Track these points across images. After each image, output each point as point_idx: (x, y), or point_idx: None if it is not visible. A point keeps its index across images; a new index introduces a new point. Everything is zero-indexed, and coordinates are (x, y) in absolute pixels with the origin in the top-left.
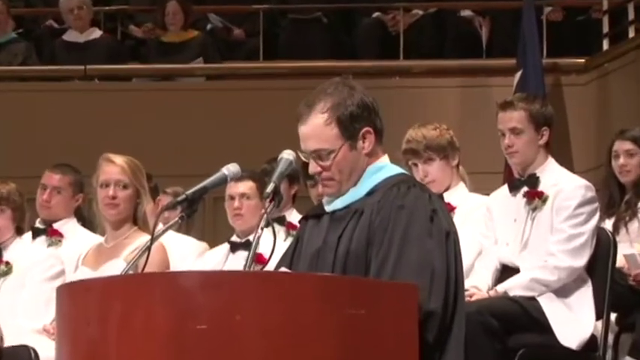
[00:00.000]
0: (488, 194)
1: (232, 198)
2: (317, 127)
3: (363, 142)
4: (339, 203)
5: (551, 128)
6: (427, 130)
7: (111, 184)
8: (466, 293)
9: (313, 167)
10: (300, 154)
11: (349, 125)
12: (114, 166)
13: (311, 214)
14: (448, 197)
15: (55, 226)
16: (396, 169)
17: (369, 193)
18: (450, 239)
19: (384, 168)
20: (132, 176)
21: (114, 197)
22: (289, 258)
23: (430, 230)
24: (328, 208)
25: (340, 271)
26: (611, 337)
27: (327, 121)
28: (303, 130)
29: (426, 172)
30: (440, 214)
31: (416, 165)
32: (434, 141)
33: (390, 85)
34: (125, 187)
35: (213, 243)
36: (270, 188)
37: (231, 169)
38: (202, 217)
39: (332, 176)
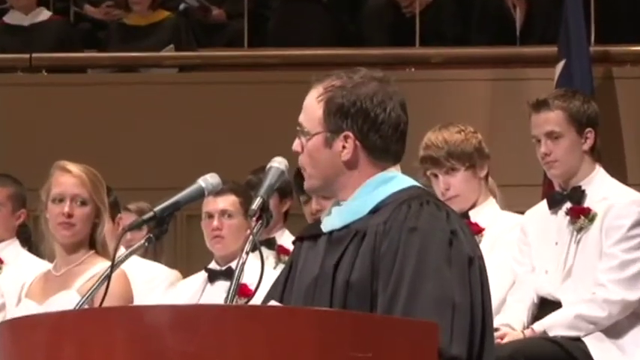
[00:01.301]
0: (523, 212)
1: (210, 216)
2: (310, 101)
3: (343, 147)
4: (337, 221)
5: (596, 129)
6: (450, 133)
7: (66, 198)
8: (496, 334)
9: (295, 143)
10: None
11: (334, 116)
12: (70, 177)
13: (306, 235)
14: (475, 216)
15: None
16: (407, 181)
17: (374, 211)
18: (473, 267)
19: (391, 180)
20: (92, 190)
21: (70, 215)
22: (280, 289)
23: (449, 257)
24: (325, 227)
25: (339, 306)
26: None
27: (319, 98)
28: (305, 100)
29: (447, 185)
30: (461, 235)
31: (436, 176)
32: (458, 147)
33: (404, 78)
34: (83, 203)
35: (186, 271)
36: (256, 204)
37: (209, 180)
38: (173, 239)
39: (304, 165)
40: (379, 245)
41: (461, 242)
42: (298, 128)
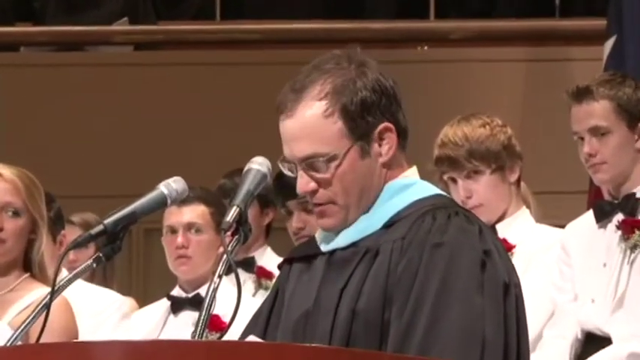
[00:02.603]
0: (563, 226)
1: (174, 231)
2: (311, 122)
3: (380, 145)
4: (341, 239)
5: None
6: (472, 127)
7: None
8: None
9: (304, 184)
10: (281, 165)
11: (360, 118)
12: (1, 182)
13: (297, 256)
14: (504, 230)
15: None
16: (429, 189)
17: (388, 225)
18: (509, 295)
19: (410, 187)
20: (27, 198)
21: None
22: (263, 322)
23: (480, 281)
24: (325, 247)
25: (342, 341)
26: None
27: (326, 112)
28: (289, 126)
29: (469, 192)
30: (495, 256)
31: (454, 181)
32: (482, 144)
33: (415, 59)
34: (16, 214)
35: (144, 299)
36: (231, 215)
37: (172, 185)
38: (128, 259)
39: (333, 198)
40: (395, 266)
41: (495, 264)
42: (304, 164)
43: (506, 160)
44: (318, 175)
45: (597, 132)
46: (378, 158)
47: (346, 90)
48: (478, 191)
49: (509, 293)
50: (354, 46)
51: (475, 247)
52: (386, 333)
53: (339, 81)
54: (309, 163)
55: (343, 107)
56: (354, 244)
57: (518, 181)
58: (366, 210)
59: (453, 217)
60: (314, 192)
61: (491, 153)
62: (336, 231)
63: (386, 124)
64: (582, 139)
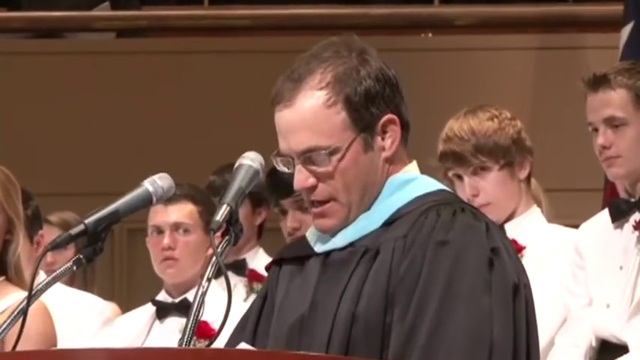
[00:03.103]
0: (577, 226)
1: (160, 231)
2: (312, 112)
3: (383, 139)
4: (338, 239)
5: None
6: (478, 120)
7: None
8: None
9: (303, 180)
10: (275, 160)
11: (364, 109)
12: None
13: (288, 257)
14: (513, 230)
15: None
16: (432, 184)
17: (389, 222)
18: (519, 297)
19: (411, 182)
20: (2, 196)
21: None
22: (252, 328)
23: (488, 281)
24: (319, 247)
25: (341, 347)
26: None
27: (328, 102)
28: (287, 117)
29: (476, 190)
30: (504, 255)
31: (460, 177)
32: (489, 138)
33: (419, 47)
34: None
35: (127, 304)
36: (221, 214)
37: (158, 183)
38: (110, 261)
39: (334, 194)
40: (397, 266)
41: (504, 263)
42: (302, 158)
43: (515, 155)
44: (319, 170)
45: (613, 123)
46: (381, 152)
47: (349, 79)
48: (485, 189)
49: (519, 294)
50: (350, 33)
51: (482, 245)
52: (388, 337)
53: (341, 69)
54: (309, 157)
55: (347, 97)
56: (351, 244)
57: (528, 178)
58: (368, 208)
59: (458, 213)
60: (313, 188)
61: (500, 148)
62: (333, 232)
63: (390, 115)
64: (597, 130)
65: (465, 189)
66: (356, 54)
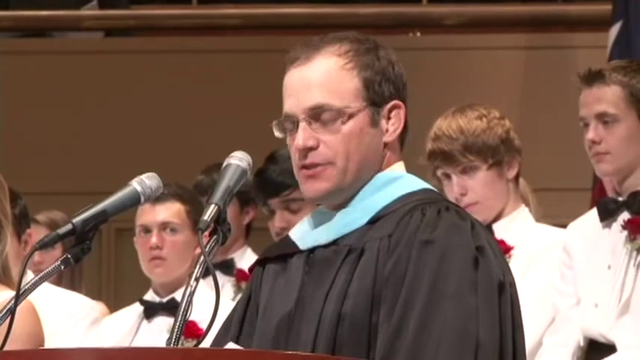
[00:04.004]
0: (565, 225)
1: (148, 230)
2: (328, 70)
3: (388, 122)
4: (322, 235)
5: None
6: (467, 119)
7: None
8: None
9: (305, 138)
10: (275, 127)
11: (377, 84)
12: None
13: (272, 255)
14: (501, 230)
15: None
16: (417, 183)
17: (373, 220)
18: (504, 295)
19: (397, 180)
20: None
21: None
22: (236, 329)
23: (474, 280)
24: (303, 244)
25: (327, 347)
26: None
27: (346, 66)
28: (301, 74)
29: (464, 189)
30: (489, 254)
31: (448, 176)
32: (478, 137)
33: (406, 46)
34: None
35: (115, 303)
36: (209, 214)
37: (145, 182)
38: (98, 260)
39: (333, 158)
40: (382, 266)
41: (489, 262)
42: (308, 114)
43: (504, 154)
44: (323, 130)
45: (604, 119)
46: (383, 135)
47: (368, 54)
48: (474, 188)
49: (505, 293)
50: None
51: (467, 244)
52: (374, 338)
53: (362, 47)
54: (317, 114)
55: (364, 66)
56: (335, 242)
57: (516, 178)
58: (352, 192)
59: (443, 212)
60: (311, 149)
61: (488, 147)
62: (316, 225)
63: (398, 102)
64: (587, 125)
65: (453, 188)
66: (373, 41)
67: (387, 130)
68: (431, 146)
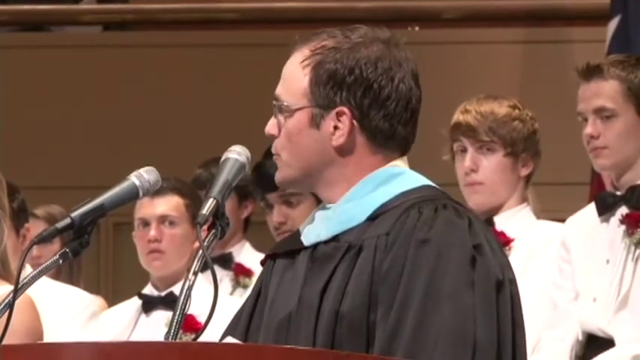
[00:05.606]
0: (564, 220)
1: (146, 224)
2: (292, 66)
3: (334, 129)
4: (323, 231)
5: None
6: (501, 105)
7: None
8: None
9: (270, 125)
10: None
11: (323, 86)
12: None
13: (280, 251)
14: (502, 223)
15: None
16: (417, 179)
17: (372, 218)
18: (503, 293)
19: (397, 177)
20: None
21: None
22: (245, 323)
23: (471, 279)
24: (307, 240)
25: (326, 345)
26: None
27: (304, 63)
28: (286, 64)
29: (475, 165)
30: (487, 251)
31: (464, 152)
32: (507, 124)
33: (405, 40)
34: None
35: (113, 297)
36: (208, 208)
37: (144, 176)
38: (96, 254)
39: (279, 150)
40: (379, 264)
41: (487, 260)
42: (275, 103)
43: (523, 150)
44: (276, 120)
45: (603, 113)
46: (329, 137)
47: (329, 54)
48: (485, 168)
49: (503, 291)
50: (334, 26)
51: (464, 242)
52: (372, 336)
53: (334, 43)
54: (276, 105)
55: (317, 65)
56: (336, 239)
57: (528, 179)
58: (325, 195)
59: (440, 210)
60: (274, 137)
61: (512, 136)
62: (315, 220)
63: (342, 108)
64: (586, 120)
65: (465, 163)
66: (356, 37)
67: (331, 135)
68: (458, 118)
